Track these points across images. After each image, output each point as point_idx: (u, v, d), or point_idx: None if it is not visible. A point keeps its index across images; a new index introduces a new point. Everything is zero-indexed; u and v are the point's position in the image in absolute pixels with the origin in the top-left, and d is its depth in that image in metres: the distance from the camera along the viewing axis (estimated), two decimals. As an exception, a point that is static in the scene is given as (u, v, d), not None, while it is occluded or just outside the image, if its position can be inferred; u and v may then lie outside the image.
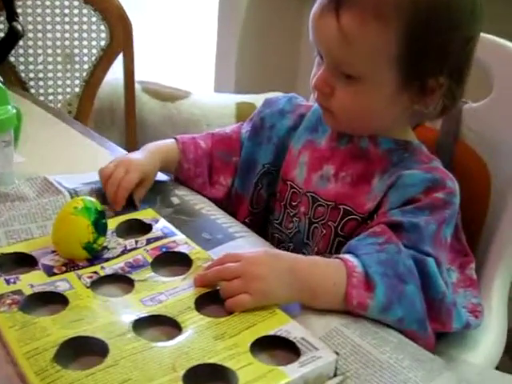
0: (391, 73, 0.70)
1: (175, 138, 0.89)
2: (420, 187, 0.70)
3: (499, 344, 0.77)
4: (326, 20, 0.68)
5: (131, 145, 1.73)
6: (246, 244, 0.74)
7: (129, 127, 1.79)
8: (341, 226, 0.75)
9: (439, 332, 0.66)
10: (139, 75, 1.85)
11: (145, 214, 0.76)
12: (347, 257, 0.64)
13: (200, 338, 0.53)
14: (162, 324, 0.56)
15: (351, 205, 0.75)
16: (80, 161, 0.99)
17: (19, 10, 1.62)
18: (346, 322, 0.60)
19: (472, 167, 0.85)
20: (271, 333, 0.54)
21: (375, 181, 0.74)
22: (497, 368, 0.75)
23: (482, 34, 0.78)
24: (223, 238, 0.74)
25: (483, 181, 0.84)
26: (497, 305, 0.80)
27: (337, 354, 0.52)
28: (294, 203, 0.82)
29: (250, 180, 0.87)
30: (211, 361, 0.51)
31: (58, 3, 1.69)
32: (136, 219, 0.75)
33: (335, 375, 0.52)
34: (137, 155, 0.84)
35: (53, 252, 0.66)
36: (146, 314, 0.57)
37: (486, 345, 0.75)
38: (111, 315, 0.56)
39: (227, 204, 0.87)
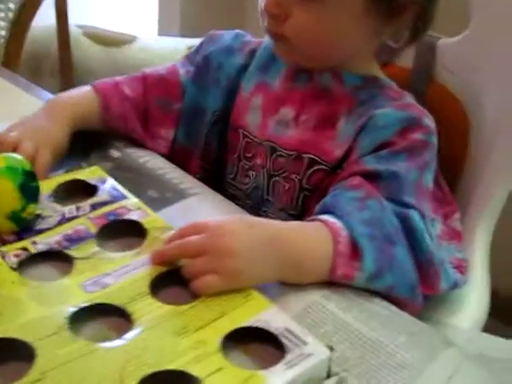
0: None
1: (93, 86, 0.75)
2: (394, 128, 0.64)
3: (484, 301, 0.73)
4: None
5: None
6: (200, 203, 0.66)
7: (64, 74, 1.66)
8: (306, 178, 0.69)
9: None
10: (75, 19, 1.71)
11: (90, 174, 0.65)
12: (328, 218, 0.56)
13: (157, 334, 0.44)
14: (108, 315, 0.46)
15: (316, 153, 0.68)
16: (4, 107, 0.84)
17: None
18: (325, 293, 0.52)
19: (448, 108, 0.79)
20: (247, 324, 0.45)
21: (341, 123, 0.68)
22: (484, 331, 0.70)
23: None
24: (173, 197, 0.66)
25: (461, 122, 0.79)
26: (480, 259, 0.76)
27: (331, 349, 0.44)
28: (248, 154, 0.74)
29: (196, 130, 0.77)
30: (171, 366, 0.41)
31: None
32: (79, 180, 0.64)
33: (329, 376, 0.43)
34: (41, 121, 0.71)
35: None
36: (87, 304, 0.47)
37: (471, 304, 0.71)
38: (42, 307, 0.46)
39: (171, 160, 0.76)
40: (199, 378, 0.40)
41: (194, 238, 0.51)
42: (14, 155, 0.58)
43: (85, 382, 0.39)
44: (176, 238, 0.52)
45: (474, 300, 0.71)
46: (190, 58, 0.81)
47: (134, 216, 0.58)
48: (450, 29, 0.79)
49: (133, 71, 1.92)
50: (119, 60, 1.73)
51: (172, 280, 0.50)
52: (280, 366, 0.41)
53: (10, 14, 1.59)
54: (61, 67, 1.67)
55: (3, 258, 0.52)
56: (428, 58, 0.80)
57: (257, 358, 0.43)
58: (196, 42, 1.93)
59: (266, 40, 0.75)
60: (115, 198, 0.60)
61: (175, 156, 0.78)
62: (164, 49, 1.75)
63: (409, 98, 0.69)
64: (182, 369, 0.41)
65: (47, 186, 0.61)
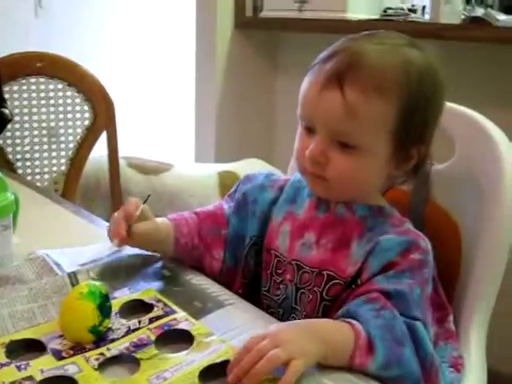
0: (386, 142, 0.77)
1: (166, 217, 0.91)
2: (396, 250, 0.76)
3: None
4: (330, 95, 0.74)
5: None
6: (235, 310, 0.78)
7: (114, 201, 1.83)
8: (326, 291, 0.79)
9: None
10: (123, 150, 1.90)
11: (146, 294, 0.79)
12: (352, 321, 0.69)
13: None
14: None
15: (334, 269, 0.79)
16: (72, 238, 1.03)
17: (6, 96, 1.69)
18: (334, 376, 0.65)
19: (443, 225, 0.91)
20: None
21: (353, 245, 0.79)
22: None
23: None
24: (213, 306, 0.78)
25: (454, 237, 0.91)
26: (475, 354, 0.85)
27: None
28: (279, 271, 0.85)
29: (239, 254, 0.90)
30: None
31: (42, 87, 1.77)
32: (137, 300, 0.78)
33: None
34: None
35: (60, 336, 0.69)
36: None
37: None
38: None
39: (222, 279, 0.90)
40: None
41: (262, 343, 0.63)
42: (94, 282, 0.73)
43: None
44: (244, 355, 0.63)
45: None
46: (231, 196, 0.95)
47: (183, 326, 0.71)
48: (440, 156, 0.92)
49: (170, 196, 2.12)
50: (158, 187, 1.90)
51: (212, 373, 0.63)
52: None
53: (70, 152, 1.82)
54: (112, 195, 1.83)
55: (87, 361, 0.65)
56: (424, 181, 0.91)
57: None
58: (225, 166, 2.16)
59: (292, 177, 0.90)
60: (167, 313, 0.74)
61: (224, 277, 0.90)
62: (196, 176, 1.92)
63: (407, 225, 0.80)
64: None
65: (114, 306, 0.73)
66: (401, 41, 0.79)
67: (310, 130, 0.79)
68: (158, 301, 0.77)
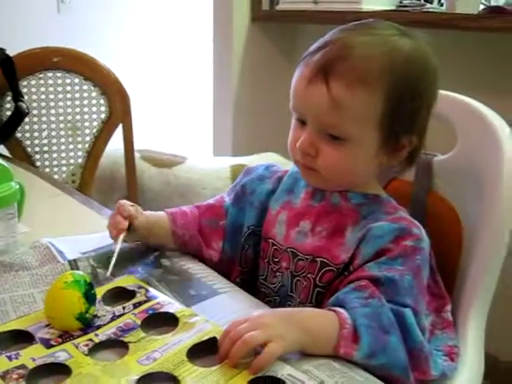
0: (374, 133, 0.77)
1: (163, 211, 0.94)
2: (389, 237, 0.76)
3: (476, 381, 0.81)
4: (316, 88, 0.75)
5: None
6: (228, 298, 0.79)
7: (131, 194, 1.85)
8: (319, 278, 0.80)
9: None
10: (141, 144, 1.93)
11: (127, 282, 0.81)
12: (339, 309, 0.70)
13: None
14: (162, 379, 0.61)
15: (327, 256, 0.80)
16: (80, 229, 1.04)
17: (24, 90, 1.73)
18: (317, 363, 0.65)
19: (444, 215, 0.91)
20: (260, 374, 0.61)
21: (348, 233, 0.80)
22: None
23: (446, 92, 0.88)
24: (207, 294, 0.80)
25: (455, 227, 0.90)
26: (472, 344, 0.84)
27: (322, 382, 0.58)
28: (276, 259, 0.87)
29: (237, 243, 0.92)
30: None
31: (59, 81, 1.80)
32: (119, 287, 0.79)
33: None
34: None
35: (47, 326, 0.70)
36: (146, 373, 0.62)
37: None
38: (114, 378, 0.61)
39: (221, 268, 0.91)
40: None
41: (241, 326, 0.65)
42: (77, 271, 0.75)
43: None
44: (225, 337, 0.65)
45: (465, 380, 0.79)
46: (232, 188, 0.97)
47: (167, 309, 0.73)
48: (444, 146, 0.92)
49: (183, 188, 2.10)
50: (171, 180, 1.91)
51: (201, 350, 0.65)
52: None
53: (86, 145, 1.85)
54: (128, 187, 1.86)
55: (76, 347, 0.66)
56: (426, 172, 0.92)
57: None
58: (238, 160, 2.15)
59: (291, 169, 0.91)
60: (150, 298, 0.76)
61: (223, 265, 0.91)
62: (209, 169, 1.92)
63: (401, 212, 0.81)
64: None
65: (97, 293, 0.74)
66: (391, 31, 0.79)
67: (302, 122, 0.80)
68: (140, 287, 0.79)
